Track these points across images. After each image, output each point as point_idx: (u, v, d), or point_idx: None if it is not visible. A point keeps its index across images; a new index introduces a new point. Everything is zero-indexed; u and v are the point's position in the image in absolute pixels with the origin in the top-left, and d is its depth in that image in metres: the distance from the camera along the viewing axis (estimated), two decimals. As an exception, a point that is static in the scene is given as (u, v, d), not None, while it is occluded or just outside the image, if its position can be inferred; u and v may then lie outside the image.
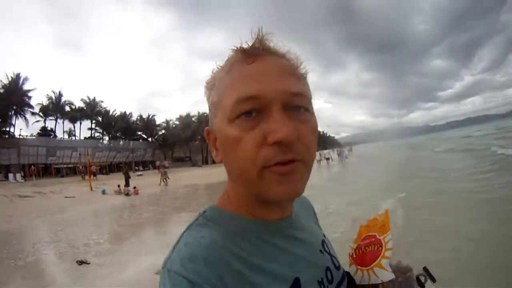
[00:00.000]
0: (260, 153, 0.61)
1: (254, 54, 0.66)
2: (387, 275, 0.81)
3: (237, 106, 0.62)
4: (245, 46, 0.67)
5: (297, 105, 0.65)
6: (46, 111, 59.33)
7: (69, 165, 52.97)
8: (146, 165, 65.25)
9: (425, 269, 0.89)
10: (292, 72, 0.67)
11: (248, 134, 0.62)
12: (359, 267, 0.87)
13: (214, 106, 0.70)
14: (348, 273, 0.88)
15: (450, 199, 9.47)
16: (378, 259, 0.84)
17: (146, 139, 74.51)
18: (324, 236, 0.91)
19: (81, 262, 7.61)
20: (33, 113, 55.40)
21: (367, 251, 0.88)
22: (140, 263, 7.06)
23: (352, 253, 0.92)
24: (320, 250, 0.82)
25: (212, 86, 0.72)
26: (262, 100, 0.62)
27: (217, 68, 0.73)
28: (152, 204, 18.22)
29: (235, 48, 0.68)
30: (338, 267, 0.84)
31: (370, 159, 39.38)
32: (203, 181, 29.27)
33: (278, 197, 0.64)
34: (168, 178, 30.73)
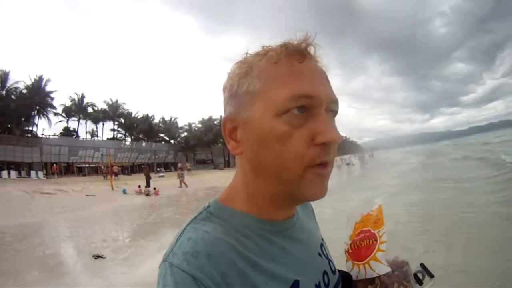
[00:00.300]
0: (308, 151, 0.63)
1: (304, 54, 0.67)
2: (383, 268, 0.82)
3: (289, 101, 0.62)
4: (292, 43, 0.68)
5: (334, 110, 0.69)
6: (68, 112, 60.89)
7: (91, 165, 53.87)
8: (168, 166, 65.81)
9: (422, 265, 0.89)
10: (328, 79, 0.71)
11: (297, 131, 0.63)
12: (355, 262, 0.88)
13: (251, 95, 0.67)
14: (343, 277, 0.87)
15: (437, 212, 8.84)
16: (373, 253, 0.85)
17: (168, 141, 75.37)
18: (322, 239, 0.93)
19: (97, 256, 7.82)
20: (55, 114, 57.15)
21: (362, 245, 0.89)
22: (154, 260, 7.13)
23: (348, 249, 0.93)
24: (319, 253, 0.83)
25: (248, 72, 0.69)
26: (313, 101, 0.63)
27: (250, 55, 0.72)
28: (171, 204, 18.46)
29: (284, 43, 0.68)
30: (334, 272, 0.84)
31: (385, 165, 38.76)
32: (224, 184, 29.08)
33: (313, 198, 0.67)
34: (184, 181, 30.73)
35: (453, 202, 10.02)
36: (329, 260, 0.86)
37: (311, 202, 0.95)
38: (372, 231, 0.90)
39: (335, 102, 0.68)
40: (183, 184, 29.88)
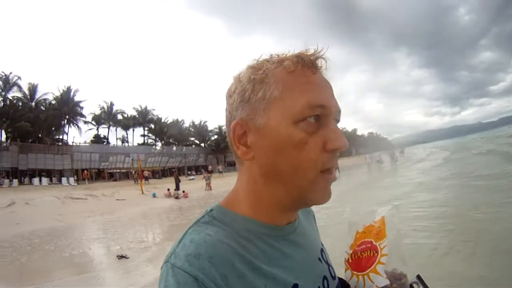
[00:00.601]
0: (322, 157, 0.66)
1: (317, 66, 0.71)
2: (381, 281, 0.82)
3: (307, 110, 0.65)
4: (306, 54, 0.71)
5: (338, 120, 0.73)
6: (98, 120, 63.01)
7: (122, 170, 55.59)
8: (198, 169, 66.48)
9: (418, 277, 0.89)
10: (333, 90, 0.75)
11: (312, 138, 0.66)
12: (354, 272, 0.88)
13: (267, 101, 0.68)
14: (342, 283, 0.89)
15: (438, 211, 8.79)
16: (374, 265, 0.85)
17: (199, 145, 76.44)
18: (322, 244, 0.94)
19: (121, 257, 8.12)
20: (85, 122, 59.34)
21: (363, 256, 0.89)
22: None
23: (348, 258, 0.93)
24: (319, 258, 0.84)
25: (263, 78, 0.70)
26: (326, 110, 0.67)
27: (262, 61, 0.74)
28: (199, 207, 18.73)
29: (299, 54, 0.71)
30: (334, 277, 0.86)
31: (412, 162, 37.98)
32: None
33: (321, 202, 0.70)
34: (210, 184, 31.14)
35: (460, 200, 9.88)
36: (329, 265, 0.87)
37: (312, 207, 0.96)
38: (374, 243, 0.89)
39: (339, 112, 0.72)
40: (209, 186, 30.29)
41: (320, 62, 0.71)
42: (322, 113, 0.67)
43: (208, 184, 30.48)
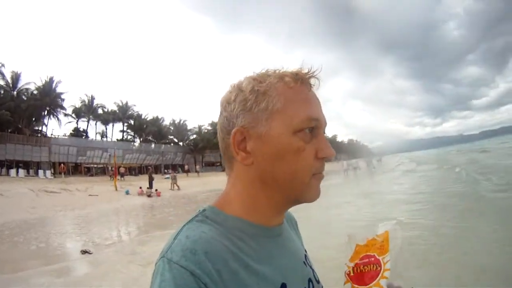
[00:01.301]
0: (315, 163, 0.76)
1: (311, 84, 0.80)
2: None
3: (306, 122, 0.74)
4: (303, 72, 0.79)
5: (325, 132, 0.83)
6: (78, 113, 61.88)
7: (99, 165, 55.05)
8: (175, 168, 65.61)
9: None
10: None
11: (307, 146, 0.74)
12: (356, 285, 0.90)
13: (270, 112, 0.74)
14: None
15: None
16: (377, 279, 0.87)
17: (177, 143, 75.61)
18: (305, 251, 0.98)
19: (84, 252, 8.63)
20: (66, 114, 58.24)
21: (365, 270, 0.91)
22: (137, 256, 7.91)
23: (349, 272, 0.94)
24: (304, 262, 0.89)
25: (266, 91, 0.76)
26: (319, 123, 0.77)
27: (263, 74, 0.80)
28: (170, 206, 19.14)
29: (297, 72, 0.79)
30: (318, 281, 0.89)
31: (379, 172, 38.41)
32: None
33: (314, 199, 0.79)
34: (176, 183, 31.53)
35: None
36: (313, 270, 0.91)
37: (293, 215, 1.08)
38: (377, 257, 0.91)
39: (326, 125, 0.82)
40: (175, 186, 30.86)
41: (313, 81, 0.80)
42: (316, 125, 0.76)
43: (174, 184, 30.92)
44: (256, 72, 0.82)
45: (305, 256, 0.92)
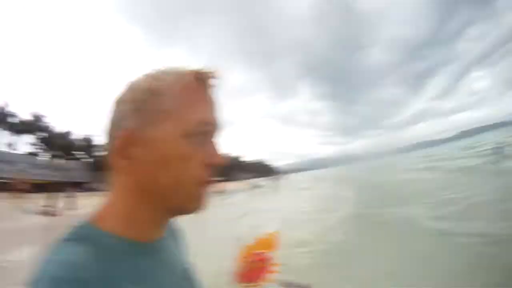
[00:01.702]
0: (202, 171, 0.69)
1: (210, 85, 0.73)
2: None
3: (198, 126, 0.68)
4: (204, 71, 0.72)
5: (217, 138, 0.76)
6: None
7: (2, 180, 50.72)
8: (82, 186, 62.84)
9: (309, 286, 1.04)
10: None
11: (197, 153, 0.68)
12: (245, 283, 0.92)
13: (161, 113, 0.66)
14: None
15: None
16: (266, 275, 0.90)
17: (87, 159, 72.88)
18: (190, 264, 0.91)
19: None
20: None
21: (254, 267, 0.92)
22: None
23: (238, 270, 0.95)
24: (185, 277, 0.84)
25: (160, 89, 0.68)
26: (212, 128, 0.72)
27: (159, 72, 0.72)
28: (67, 226, 19.07)
29: (196, 71, 0.72)
30: None
31: (281, 189, 41.06)
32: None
33: (200, 210, 0.73)
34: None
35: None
36: (194, 283, 0.87)
37: (178, 226, 0.97)
38: (265, 254, 0.94)
39: (220, 130, 0.75)
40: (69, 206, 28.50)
41: (213, 81, 0.73)
42: (210, 129, 0.71)
43: (67, 204, 27.48)
44: (157, 69, 0.73)
45: (188, 270, 0.87)
